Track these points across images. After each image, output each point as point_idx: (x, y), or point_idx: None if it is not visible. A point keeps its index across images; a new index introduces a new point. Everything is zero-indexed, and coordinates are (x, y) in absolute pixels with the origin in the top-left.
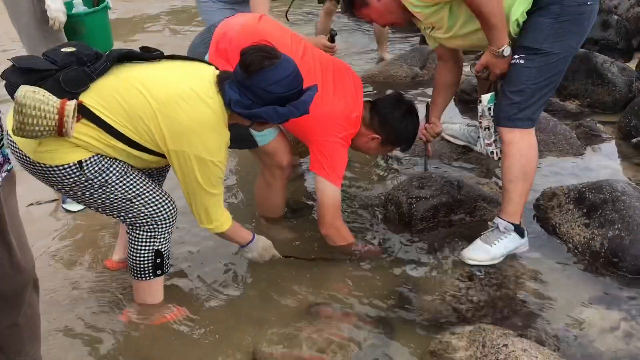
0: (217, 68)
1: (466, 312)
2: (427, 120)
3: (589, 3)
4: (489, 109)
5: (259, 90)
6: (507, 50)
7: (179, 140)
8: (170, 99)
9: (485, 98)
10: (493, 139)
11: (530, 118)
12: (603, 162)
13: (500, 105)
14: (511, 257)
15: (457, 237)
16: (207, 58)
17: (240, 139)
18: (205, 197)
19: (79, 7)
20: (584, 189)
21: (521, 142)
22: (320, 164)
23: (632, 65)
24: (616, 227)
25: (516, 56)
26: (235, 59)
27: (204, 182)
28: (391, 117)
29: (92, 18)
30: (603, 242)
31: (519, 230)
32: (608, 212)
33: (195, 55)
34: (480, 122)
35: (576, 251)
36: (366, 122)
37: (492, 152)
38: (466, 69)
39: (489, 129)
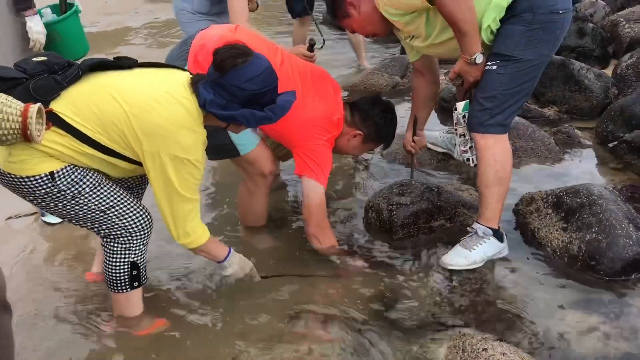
0: (191, 73)
1: (446, 317)
2: (414, 133)
3: (560, 12)
4: (464, 116)
5: (233, 88)
6: (479, 58)
7: (153, 140)
8: (144, 102)
9: (460, 105)
10: (469, 145)
11: (502, 124)
12: (581, 167)
13: (473, 111)
14: (490, 261)
15: (438, 243)
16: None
17: (221, 149)
18: (181, 204)
19: (48, 16)
20: (561, 194)
21: (495, 147)
22: (306, 165)
23: (608, 71)
24: (593, 230)
25: (489, 63)
26: None
27: (179, 185)
28: (372, 113)
29: (64, 24)
30: (581, 246)
31: (497, 234)
32: (585, 216)
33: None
34: (455, 130)
35: (555, 255)
36: (348, 121)
37: (467, 159)
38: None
39: (464, 136)
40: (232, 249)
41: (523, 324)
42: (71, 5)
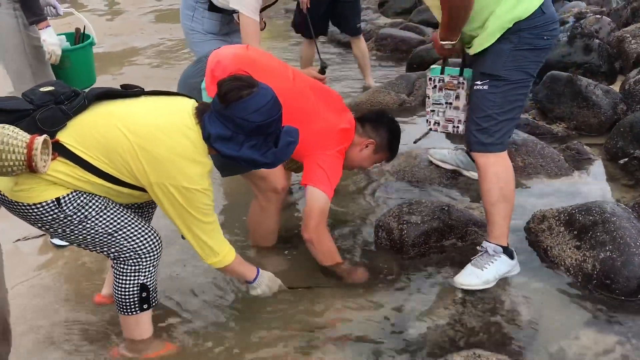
0: (197, 101)
1: (460, 338)
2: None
3: (545, 38)
4: (430, 78)
5: (239, 120)
6: (447, 46)
7: (158, 172)
8: (149, 132)
9: (431, 68)
10: (430, 109)
11: (500, 142)
12: (591, 184)
13: (471, 131)
14: (503, 281)
15: (450, 263)
16: (203, 86)
17: (234, 165)
18: (201, 226)
19: (63, 42)
20: (573, 211)
21: (496, 165)
22: (314, 175)
23: (615, 87)
24: (607, 248)
25: (479, 82)
26: None
27: (193, 211)
28: (382, 122)
29: (77, 54)
30: (595, 264)
31: (507, 252)
32: (599, 234)
33: (188, 85)
34: (426, 92)
35: (568, 274)
36: (359, 131)
37: (427, 121)
38: None
39: (428, 97)
40: (260, 269)
41: (537, 345)
42: (87, 36)
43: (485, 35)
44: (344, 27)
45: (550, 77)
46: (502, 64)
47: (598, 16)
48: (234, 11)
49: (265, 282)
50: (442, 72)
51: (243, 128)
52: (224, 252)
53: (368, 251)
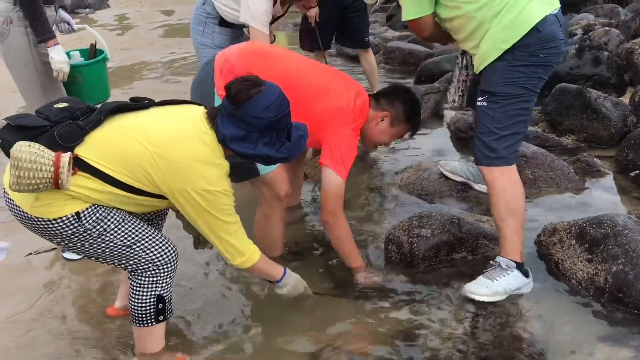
0: (205, 107)
1: (471, 352)
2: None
3: (541, 55)
4: (456, 57)
5: (251, 118)
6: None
7: (179, 178)
8: (166, 140)
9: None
10: (452, 85)
11: (505, 156)
12: (602, 197)
13: (476, 146)
14: (514, 295)
15: (460, 276)
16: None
17: (240, 170)
18: (225, 228)
19: (77, 58)
20: (584, 224)
21: (502, 179)
22: (331, 155)
23: (625, 99)
24: (619, 262)
25: (479, 99)
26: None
27: (217, 213)
28: (397, 93)
29: (90, 69)
30: (607, 278)
31: (522, 269)
32: (610, 247)
33: (200, 89)
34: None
35: (580, 287)
36: (373, 105)
37: (453, 100)
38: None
39: (453, 76)
40: (287, 269)
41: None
42: (101, 51)
43: (480, 55)
44: (353, 40)
45: (559, 89)
46: (497, 81)
47: (607, 28)
48: (244, 26)
49: (292, 282)
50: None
51: (256, 126)
52: (249, 252)
53: (378, 265)
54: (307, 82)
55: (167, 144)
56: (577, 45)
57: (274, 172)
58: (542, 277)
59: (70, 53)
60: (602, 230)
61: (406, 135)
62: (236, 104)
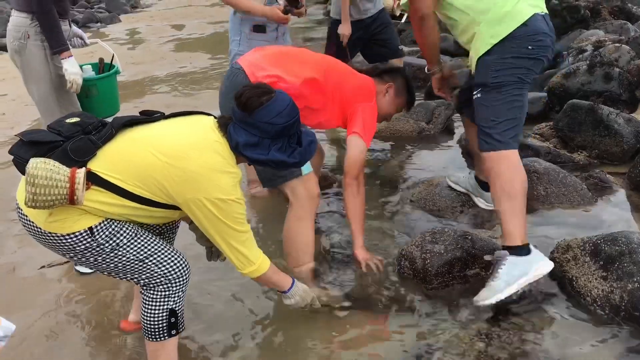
0: (215, 117)
1: None
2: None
3: (529, 47)
4: None
5: (263, 124)
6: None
7: (193, 188)
8: (179, 150)
9: None
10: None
11: (502, 141)
12: (615, 214)
13: (478, 135)
14: (528, 311)
15: (473, 293)
16: None
17: (276, 176)
18: (236, 237)
19: (89, 72)
20: (599, 241)
21: (498, 163)
22: (362, 125)
23: (637, 116)
24: (635, 279)
25: (474, 92)
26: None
27: (229, 221)
28: (394, 69)
29: (104, 82)
30: (623, 296)
31: (518, 251)
32: (626, 265)
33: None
34: None
35: (595, 305)
36: (377, 81)
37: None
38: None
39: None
40: (295, 280)
41: None
42: (112, 66)
43: (474, 53)
44: (388, 50)
45: (571, 105)
46: (488, 72)
47: (617, 45)
48: (277, 27)
49: (300, 292)
50: None
51: (268, 132)
52: (259, 261)
53: (391, 281)
54: (335, 67)
55: (180, 154)
56: (588, 62)
57: (308, 175)
58: (557, 294)
59: (83, 67)
60: (617, 248)
61: (404, 110)
62: (248, 111)
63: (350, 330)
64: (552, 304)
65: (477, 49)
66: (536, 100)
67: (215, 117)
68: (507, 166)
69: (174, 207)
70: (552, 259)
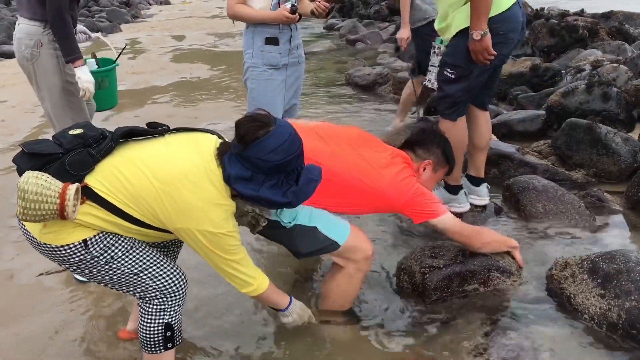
0: (220, 137)
1: None
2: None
3: (501, 32)
4: (433, 46)
5: (257, 160)
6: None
7: (184, 218)
8: (174, 178)
9: (436, 38)
10: (429, 69)
11: (443, 112)
12: (613, 232)
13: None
14: (527, 328)
15: (472, 308)
16: None
17: (318, 247)
18: (231, 264)
19: (93, 65)
20: (597, 259)
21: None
22: (421, 213)
23: (634, 135)
24: (632, 298)
25: (447, 70)
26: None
27: (221, 252)
28: (429, 138)
29: (113, 73)
30: (620, 313)
31: (450, 189)
32: (623, 283)
33: None
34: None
35: (593, 322)
36: (413, 158)
37: (427, 79)
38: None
39: (430, 61)
40: (293, 298)
41: None
42: (109, 60)
43: (450, 25)
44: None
45: (569, 124)
46: (460, 54)
47: (615, 65)
48: (290, 42)
49: (297, 310)
50: (441, 42)
51: (262, 168)
52: (257, 282)
53: (390, 294)
54: (364, 155)
55: (175, 181)
56: (586, 81)
57: (352, 235)
58: (554, 311)
59: (87, 61)
60: (615, 266)
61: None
62: (244, 144)
63: (348, 344)
64: (549, 321)
65: (456, 26)
66: (535, 118)
67: (220, 138)
68: (448, 128)
69: (166, 231)
70: (549, 276)
